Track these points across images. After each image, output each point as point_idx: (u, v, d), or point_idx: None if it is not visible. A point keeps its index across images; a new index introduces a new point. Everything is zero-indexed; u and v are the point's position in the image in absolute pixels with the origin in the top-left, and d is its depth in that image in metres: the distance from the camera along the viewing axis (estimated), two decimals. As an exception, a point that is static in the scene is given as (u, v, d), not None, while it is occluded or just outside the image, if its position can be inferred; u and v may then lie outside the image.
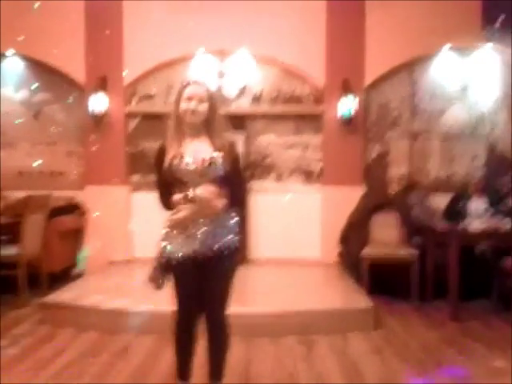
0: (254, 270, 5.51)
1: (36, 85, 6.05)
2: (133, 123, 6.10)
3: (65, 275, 5.47)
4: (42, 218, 4.90)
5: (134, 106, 6.04)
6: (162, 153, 2.47)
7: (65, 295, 4.34)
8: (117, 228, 5.73)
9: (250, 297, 4.61)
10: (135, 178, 6.07)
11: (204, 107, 2.43)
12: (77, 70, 5.87)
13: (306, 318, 3.91)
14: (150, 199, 6.41)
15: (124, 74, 5.88)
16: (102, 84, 5.77)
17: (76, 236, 5.81)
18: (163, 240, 2.48)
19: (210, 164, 2.40)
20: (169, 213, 2.47)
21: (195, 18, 5.69)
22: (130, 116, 6.05)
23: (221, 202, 2.43)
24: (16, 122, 6.01)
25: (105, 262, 5.61)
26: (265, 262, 5.72)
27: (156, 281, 2.50)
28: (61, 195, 5.72)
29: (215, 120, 2.48)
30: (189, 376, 2.65)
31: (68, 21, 5.80)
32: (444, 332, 3.96)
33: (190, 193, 2.37)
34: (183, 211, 2.41)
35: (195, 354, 2.60)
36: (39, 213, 4.88)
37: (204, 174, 2.40)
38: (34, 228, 4.73)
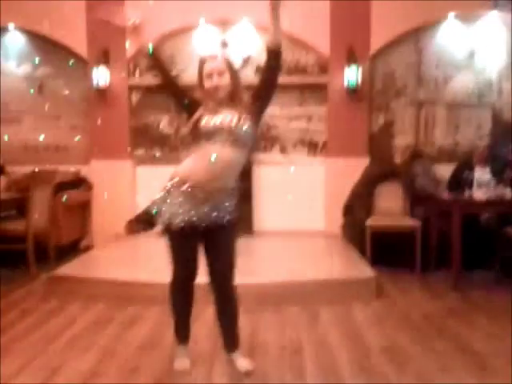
0: (259, 242, 5.57)
1: (38, 59, 6.02)
2: (136, 96, 6.08)
3: (72, 249, 5.57)
4: (49, 192, 4.97)
5: (137, 78, 6.01)
6: (196, 104, 2.50)
7: (73, 268, 4.43)
8: (122, 202, 5.78)
9: (255, 268, 4.67)
10: (139, 151, 6.09)
11: (225, 80, 2.49)
12: (79, 42, 5.83)
13: (309, 288, 3.97)
14: (153, 173, 6.48)
15: (126, 45, 5.82)
16: (105, 57, 5.74)
17: (82, 210, 5.88)
18: (163, 202, 2.50)
19: (239, 123, 2.44)
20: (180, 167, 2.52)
21: (197, -13, 5.60)
22: (133, 89, 6.03)
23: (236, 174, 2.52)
24: (19, 96, 6.02)
25: (111, 236, 5.68)
26: (269, 233, 5.77)
27: (131, 230, 2.61)
28: (66, 170, 5.79)
29: (240, 89, 2.54)
30: (187, 339, 2.77)
31: (69, -7, 5.74)
32: (445, 302, 4.01)
33: (212, 155, 2.41)
34: (196, 171, 2.45)
35: (191, 318, 2.74)
36: (45, 187, 4.94)
37: (231, 133, 2.43)
38: (40, 202, 4.80)
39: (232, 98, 2.51)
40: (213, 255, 2.62)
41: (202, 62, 2.54)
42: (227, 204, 2.54)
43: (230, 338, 2.77)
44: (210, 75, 2.49)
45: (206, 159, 2.43)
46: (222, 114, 2.46)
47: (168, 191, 2.50)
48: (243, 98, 2.53)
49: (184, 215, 2.45)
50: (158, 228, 2.54)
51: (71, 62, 5.89)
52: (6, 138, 5.82)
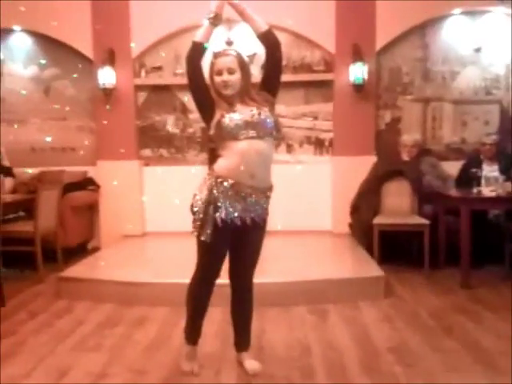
0: (265, 241, 5.52)
1: (44, 60, 6.04)
2: (142, 96, 6.08)
3: (80, 250, 5.60)
4: (56, 193, 4.96)
5: (143, 78, 6.01)
6: (213, 104, 2.50)
7: (81, 269, 4.45)
8: (129, 203, 5.79)
9: (262, 267, 4.65)
10: (146, 152, 6.09)
11: (235, 78, 2.48)
12: (84, 43, 5.84)
13: (317, 287, 3.96)
14: (160, 173, 6.48)
15: (132, 45, 5.83)
16: (110, 57, 5.75)
17: (90, 211, 5.90)
18: (216, 191, 2.46)
19: (260, 116, 2.45)
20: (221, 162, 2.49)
21: (202, -14, 5.59)
22: (139, 89, 6.03)
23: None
24: (26, 98, 6.04)
25: (118, 236, 5.71)
26: (276, 232, 5.71)
27: None
28: (73, 171, 5.81)
29: (250, 87, 2.54)
30: (198, 340, 2.76)
31: (74, -7, 5.75)
32: (455, 299, 3.98)
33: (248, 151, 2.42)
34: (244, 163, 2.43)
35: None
36: (53, 189, 4.94)
37: (254, 125, 2.43)
38: (48, 204, 4.80)
39: (242, 95, 2.50)
40: (240, 253, 2.65)
41: (214, 57, 2.54)
42: (264, 203, 2.56)
43: (242, 337, 2.78)
44: (220, 72, 2.49)
45: (241, 156, 2.42)
46: (238, 111, 2.46)
47: (210, 189, 2.47)
48: (253, 94, 2.53)
49: (227, 213, 2.46)
50: (197, 225, 2.50)
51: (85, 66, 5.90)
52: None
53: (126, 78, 5.87)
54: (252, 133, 2.43)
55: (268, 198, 2.59)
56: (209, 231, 2.46)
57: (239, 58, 2.53)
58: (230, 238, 2.56)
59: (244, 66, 2.52)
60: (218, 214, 2.45)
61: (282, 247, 5.23)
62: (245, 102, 2.50)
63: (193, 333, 2.74)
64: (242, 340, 2.78)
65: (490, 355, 2.92)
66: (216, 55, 2.54)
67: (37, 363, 2.91)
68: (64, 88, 6.09)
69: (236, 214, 2.47)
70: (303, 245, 5.31)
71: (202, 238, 2.48)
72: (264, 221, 2.61)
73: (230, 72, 2.48)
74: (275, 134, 2.51)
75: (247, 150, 2.42)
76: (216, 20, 2.56)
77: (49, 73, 6.09)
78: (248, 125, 2.43)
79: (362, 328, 3.41)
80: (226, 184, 2.45)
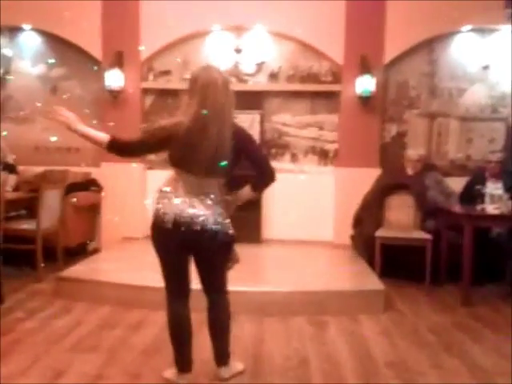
0: (267, 250, 5.56)
1: (53, 59, 6.06)
2: (149, 99, 6.09)
3: (81, 250, 5.58)
4: (59, 193, 4.96)
5: (151, 82, 6.02)
6: None
7: (81, 269, 4.43)
8: (131, 205, 5.77)
9: (262, 276, 4.66)
10: (150, 155, 6.08)
11: None
12: (93, 44, 5.85)
13: (316, 298, 3.94)
14: (164, 177, 6.44)
15: (140, 49, 5.84)
16: (119, 59, 5.76)
17: (92, 212, 5.89)
18: None
19: None
20: None
21: (213, -8, 5.62)
22: (146, 92, 6.05)
23: None
24: (33, 96, 6.05)
25: (119, 238, 5.70)
26: (277, 242, 5.75)
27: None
28: (77, 171, 5.80)
29: None
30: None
31: (85, -6, 5.78)
32: (454, 316, 3.96)
33: None
34: None
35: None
36: (56, 188, 4.94)
37: None
38: (50, 203, 4.80)
39: None
40: None
41: None
42: None
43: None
44: None
45: None
46: None
47: None
48: None
49: None
50: None
51: (94, 67, 5.91)
52: (4, 133, 5.70)
53: (134, 81, 5.88)
54: None
55: None
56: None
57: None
58: None
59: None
60: None
61: (283, 256, 5.22)
62: None
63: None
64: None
65: (490, 375, 2.89)
66: None
67: (33, 363, 2.90)
68: (71, 88, 6.10)
69: None
70: (304, 255, 5.29)
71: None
72: None
73: None
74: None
75: None
76: None
77: (56, 72, 6.10)
78: None
79: (360, 341, 3.39)
80: None
